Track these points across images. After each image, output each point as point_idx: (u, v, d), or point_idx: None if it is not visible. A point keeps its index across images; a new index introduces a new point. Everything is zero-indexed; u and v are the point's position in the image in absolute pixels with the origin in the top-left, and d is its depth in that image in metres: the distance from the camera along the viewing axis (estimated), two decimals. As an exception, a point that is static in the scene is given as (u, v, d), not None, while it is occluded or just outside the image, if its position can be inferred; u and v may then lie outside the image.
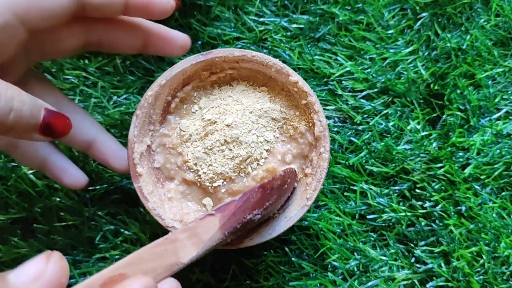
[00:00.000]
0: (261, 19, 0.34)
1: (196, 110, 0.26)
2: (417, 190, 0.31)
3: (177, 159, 0.26)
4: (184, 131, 0.26)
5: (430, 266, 0.29)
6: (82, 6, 0.22)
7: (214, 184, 0.25)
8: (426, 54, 0.33)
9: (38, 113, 0.20)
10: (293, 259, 0.30)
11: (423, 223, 0.30)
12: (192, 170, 0.25)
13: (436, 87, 0.32)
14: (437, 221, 0.30)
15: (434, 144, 0.31)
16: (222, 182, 0.25)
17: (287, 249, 0.30)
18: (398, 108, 0.32)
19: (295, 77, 0.25)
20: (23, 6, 0.20)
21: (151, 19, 0.26)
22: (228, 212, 0.21)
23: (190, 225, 0.21)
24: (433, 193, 0.30)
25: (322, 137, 0.25)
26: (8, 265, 0.30)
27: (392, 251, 0.30)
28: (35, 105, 0.20)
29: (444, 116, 0.32)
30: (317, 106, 0.25)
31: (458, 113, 0.32)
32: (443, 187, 0.31)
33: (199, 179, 0.25)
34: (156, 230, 0.31)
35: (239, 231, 0.22)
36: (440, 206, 0.30)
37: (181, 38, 0.26)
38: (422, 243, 0.30)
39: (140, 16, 0.25)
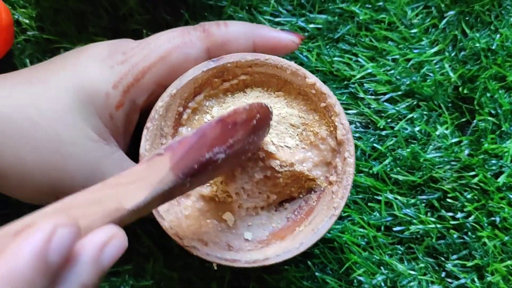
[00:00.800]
0: (277, 19, 0.32)
1: (209, 120, 0.25)
2: (448, 200, 0.29)
3: None
4: None
5: (462, 281, 0.27)
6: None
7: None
8: (453, 54, 0.31)
9: None
10: (316, 274, 0.28)
11: (455, 236, 0.28)
12: (208, 184, 0.24)
13: (465, 91, 0.30)
14: (469, 233, 0.28)
15: (466, 152, 0.29)
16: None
17: (309, 263, 0.29)
18: (424, 112, 0.31)
19: (312, 78, 0.23)
20: (165, 77, 0.23)
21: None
22: (180, 150, 0.18)
23: (134, 168, 0.17)
24: (466, 203, 0.28)
25: (346, 140, 0.23)
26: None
27: (422, 265, 0.28)
28: None
29: (474, 121, 0.30)
30: (338, 108, 0.23)
31: (490, 118, 0.30)
32: (475, 197, 0.29)
33: (216, 192, 0.24)
34: (171, 244, 0.29)
35: (199, 173, 0.18)
36: (473, 217, 0.28)
37: (286, 42, 0.25)
38: (454, 256, 0.28)
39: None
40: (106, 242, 0.15)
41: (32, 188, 0.22)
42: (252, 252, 0.23)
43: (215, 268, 0.22)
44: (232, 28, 0.24)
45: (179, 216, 0.23)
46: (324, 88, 0.23)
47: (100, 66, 0.23)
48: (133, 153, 0.29)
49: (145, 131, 0.23)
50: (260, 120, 0.21)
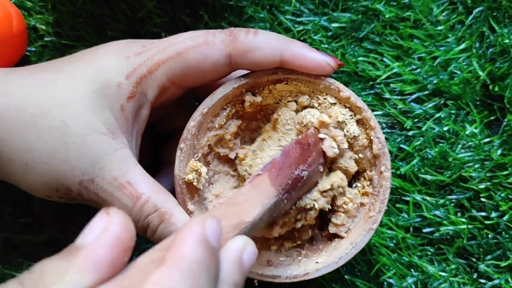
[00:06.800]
0: (299, 19, 0.31)
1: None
2: (482, 199, 0.29)
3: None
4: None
5: (496, 281, 0.27)
6: (237, 69, 0.23)
7: None
8: (480, 52, 0.31)
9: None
10: (345, 276, 0.28)
11: (490, 236, 0.28)
12: None
13: (496, 89, 0.29)
14: (503, 233, 0.28)
15: (499, 152, 0.29)
16: None
17: (339, 266, 0.28)
18: (452, 111, 0.30)
19: (346, 92, 0.23)
20: (179, 75, 0.23)
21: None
22: (274, 169, 0.21)
23: (241, 190, 0.20)
24: (500, 203, 0.28)
25: (382, 154, 0.23)
26: None
27: (453, 266, 0.28)
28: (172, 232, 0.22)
29: (505, 120, 0.30)
30: (373, 122, 0.23)
31: (520, 116, 0.30)
32: (510, 196, 0.29)
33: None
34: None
35: (292, 189, 0.21)
36: (507, 216, 0.28)
37: (319, 62, 0.23)
38: (488, 257, 0.28)
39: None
40: (244, 248, 0.17)
41: (34, 177, 0.22)
42: (292, 267, 0.22)
43: (256, 284, 0.22)
44: (260, 38, 0.22)
45: None
46: (359, 102, 0.23)
47: (117, 57, 0.22)
48: (151, 164, 0.28)
49: (178, 152, 0.23)
50: (318, 144, 0.23)
